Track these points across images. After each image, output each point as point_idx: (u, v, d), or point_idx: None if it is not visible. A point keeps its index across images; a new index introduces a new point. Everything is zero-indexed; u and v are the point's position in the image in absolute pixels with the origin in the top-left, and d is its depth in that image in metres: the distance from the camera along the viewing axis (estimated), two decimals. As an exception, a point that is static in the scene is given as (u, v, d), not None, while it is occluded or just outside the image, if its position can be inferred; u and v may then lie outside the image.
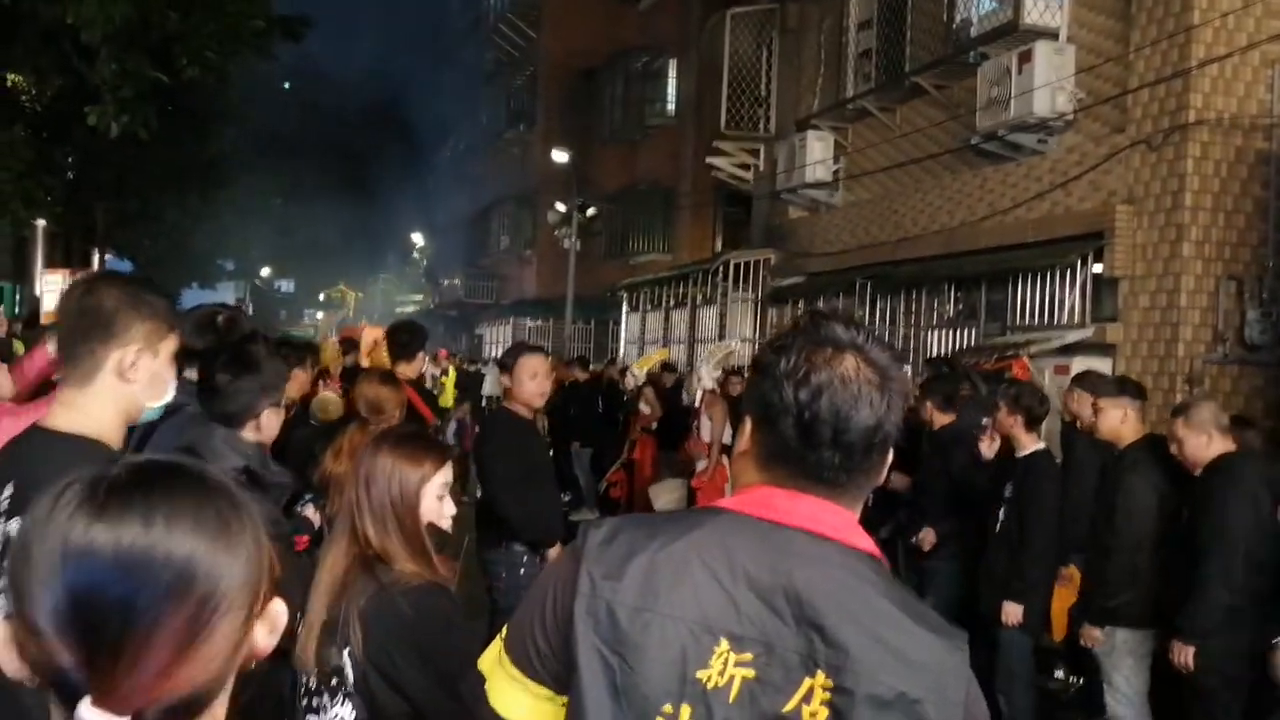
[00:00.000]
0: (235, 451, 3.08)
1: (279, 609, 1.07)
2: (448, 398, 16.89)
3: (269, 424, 3.29)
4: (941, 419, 6.56)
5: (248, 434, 3.21)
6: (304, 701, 2.47)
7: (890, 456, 1.56)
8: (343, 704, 2.40)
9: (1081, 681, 6.46)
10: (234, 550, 1.01)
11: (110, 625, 0.95)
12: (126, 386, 2.16)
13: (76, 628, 0.95)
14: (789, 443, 1.50)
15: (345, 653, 2.38)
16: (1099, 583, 5.19)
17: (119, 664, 0.95)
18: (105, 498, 0.98)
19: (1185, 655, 4.59)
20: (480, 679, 1.60)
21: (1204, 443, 4.86)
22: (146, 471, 1.02)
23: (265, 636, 1.07)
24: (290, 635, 2.34)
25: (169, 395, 2.31)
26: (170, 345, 2.27)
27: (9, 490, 1.97)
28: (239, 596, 1.00)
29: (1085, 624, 5.26)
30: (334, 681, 2.40)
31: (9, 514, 1.94)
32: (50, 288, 16.51)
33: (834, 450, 1.48)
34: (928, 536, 6.45)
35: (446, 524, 2.64)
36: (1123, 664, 5.13)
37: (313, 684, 2.45)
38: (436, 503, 2.62)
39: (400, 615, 2.39)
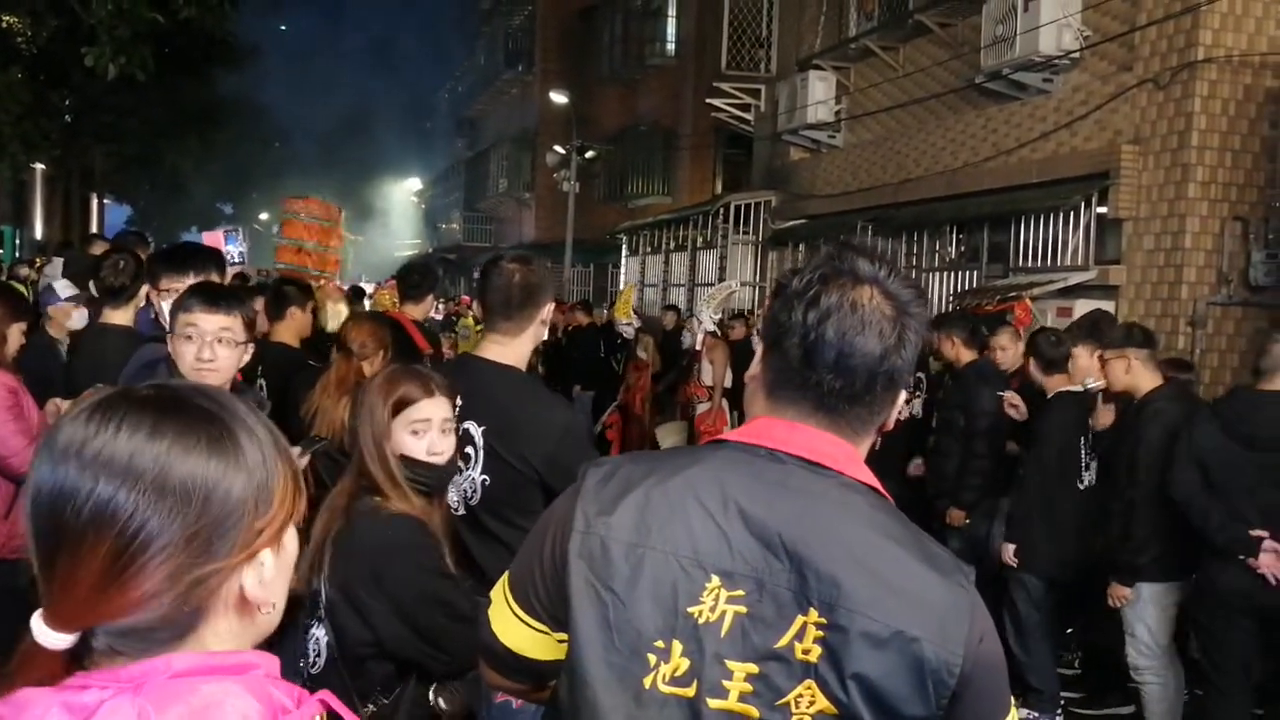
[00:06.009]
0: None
1: (266, 559, 1.00)
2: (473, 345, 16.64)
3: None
4: (966, 354, 6.43)
5: None
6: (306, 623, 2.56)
7: (900, 397, 1.53)
8: (318, 627, 2.46)
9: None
10: (225, 474, 0.97)
11: (48, 534, 0.94)
12: (542, 330, 3.11)
13: (34, 526, 0.95)
14: (792, 364, 1.48)
15: (321, 578, 2.44)
16: (1125, 538, 5.02)
17: (55, 575, 0.93)
18: (107, 410, 0.97)
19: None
20: (486, 602, 1.63)
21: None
22: (161, 395, 1.00)
23: (254, 585, 1.00)
24: None
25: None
26: (552, 304, 3.20)
27: (459, 400, 2.84)
28: (186, 538, 0.94)
29: (1113, 581, 5.07)
30: (312, 605, 2.47)
31: (461, 417, 2.83)
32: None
33: (835, 375, 1.45)
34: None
35: (430, 459, 2.58)
36: (1146, 615, 5.03)
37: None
38: (410, 437, 2.56)
39: (361, 543, 2.43)
